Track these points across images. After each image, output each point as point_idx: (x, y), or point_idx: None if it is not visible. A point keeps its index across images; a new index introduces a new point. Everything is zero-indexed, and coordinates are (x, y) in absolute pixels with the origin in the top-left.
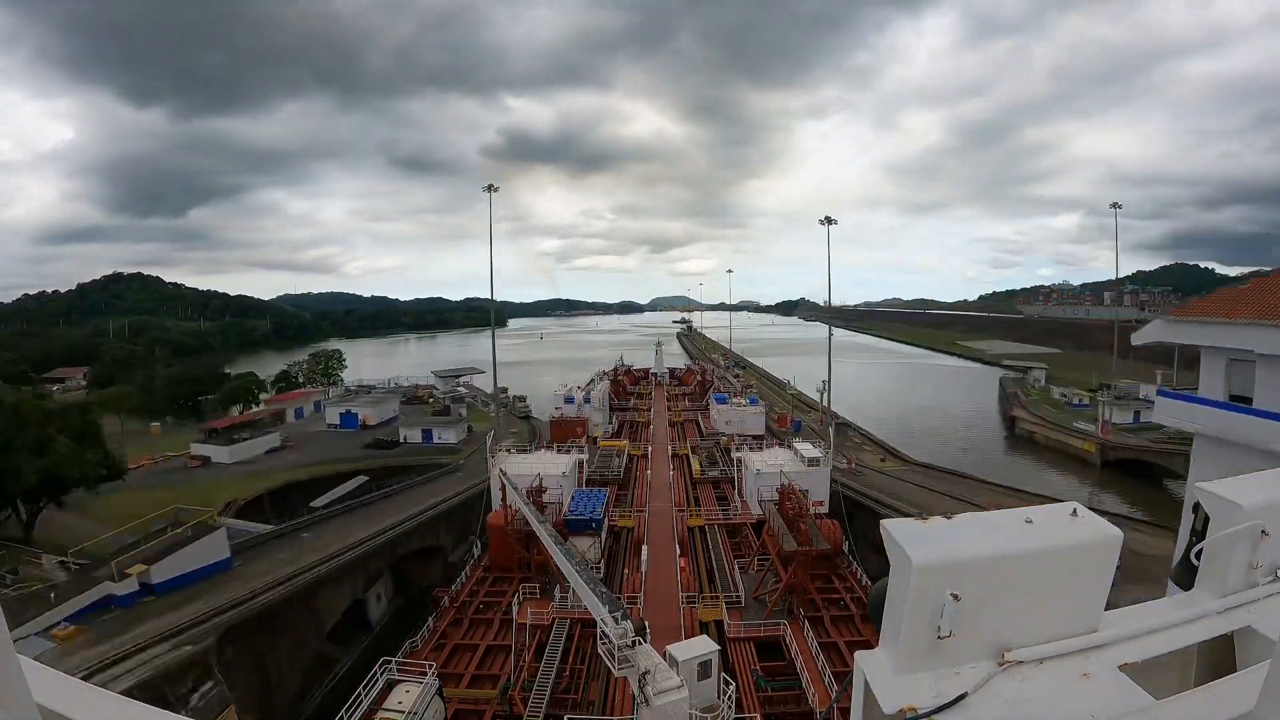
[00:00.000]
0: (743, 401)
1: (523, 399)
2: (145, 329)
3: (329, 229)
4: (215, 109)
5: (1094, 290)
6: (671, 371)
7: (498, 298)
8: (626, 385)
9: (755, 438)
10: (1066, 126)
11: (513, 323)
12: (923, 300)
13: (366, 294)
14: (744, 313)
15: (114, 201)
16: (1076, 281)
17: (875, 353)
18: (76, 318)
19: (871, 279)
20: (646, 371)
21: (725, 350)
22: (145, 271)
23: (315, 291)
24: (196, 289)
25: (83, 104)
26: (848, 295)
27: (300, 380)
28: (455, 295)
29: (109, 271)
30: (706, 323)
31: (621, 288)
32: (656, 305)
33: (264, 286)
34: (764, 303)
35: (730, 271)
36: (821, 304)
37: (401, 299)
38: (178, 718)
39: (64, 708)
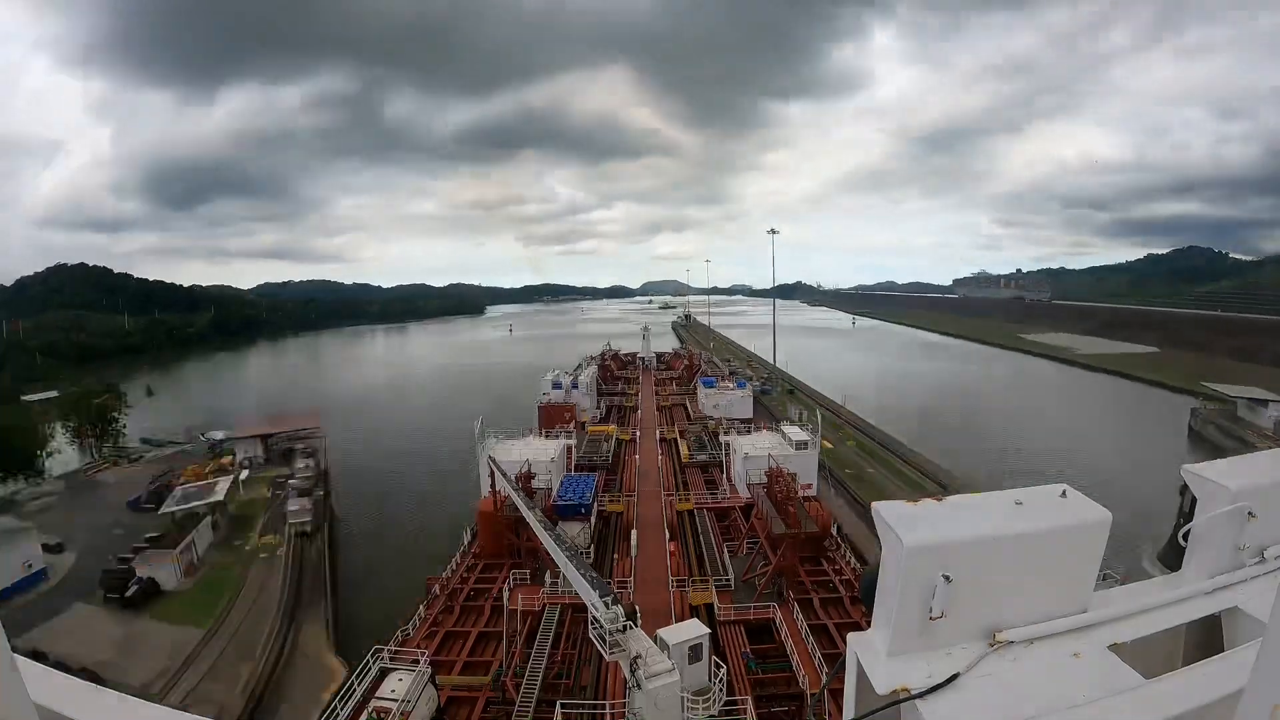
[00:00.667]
0: (730, 385)
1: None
2: (48, 327)
3: (349, 219)
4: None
5: (1003, 279)
6: (659, 356)
7: (481, 283)
8: (614, 370)
9: (743, 421)
10: (1030, 128)
11: (493, 309)
12: (917, 284)
13: (349, 281)
14: (737, 295)
15: (145, 191)
16: (1079, 266)
17: (927, 351)
18: (5, 314)
19: (862, 263)
20: (634, 355)
21: (750, 357)
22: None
23: (297, 280)
24: (146, 279)
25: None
26: (841, 279)
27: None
28: (438, 282)
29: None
30: (697, 307)
31: (612, 272)
32: (648, 290)
33: (272, 275)
34: (756, 286)
35: (774, 232)
36: (817, 287)
37: (384, 285)
38: (178, 713)
39: (62, 706)
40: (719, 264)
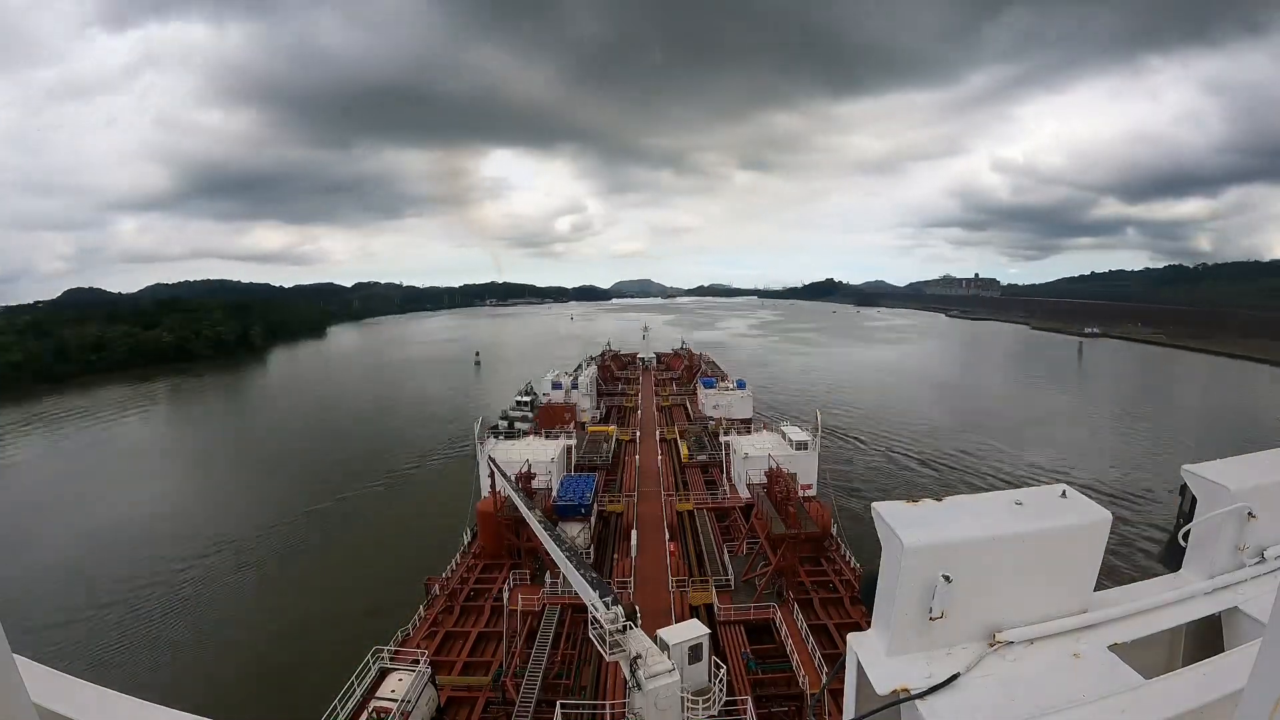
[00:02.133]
0: (730, 385)
1: None
2: None
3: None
4: None
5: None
6: (659, 356)
7: (403, 283)
8: (614, 370)
9: (743, 421)
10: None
11: (335, 330)
12: (915, 285)
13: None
14: (753, 298)
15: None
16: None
17: None
18: None
19: (871, 264)
20: (634, 356)
21: None
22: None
23: (307, 283)
24: None
25: None
26: (870, 275)
27: None
28: (348, 281)
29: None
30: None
31: (581, 270)
32: (621, 290)
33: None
34: (773, 287)
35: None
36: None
37: (284, 285)
38: (178, 714)
39: (62, 707)
40: (691, 263)
